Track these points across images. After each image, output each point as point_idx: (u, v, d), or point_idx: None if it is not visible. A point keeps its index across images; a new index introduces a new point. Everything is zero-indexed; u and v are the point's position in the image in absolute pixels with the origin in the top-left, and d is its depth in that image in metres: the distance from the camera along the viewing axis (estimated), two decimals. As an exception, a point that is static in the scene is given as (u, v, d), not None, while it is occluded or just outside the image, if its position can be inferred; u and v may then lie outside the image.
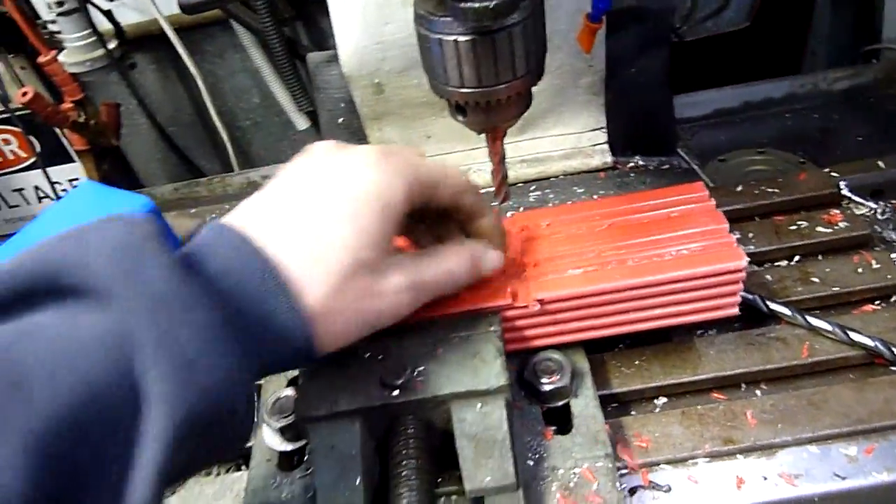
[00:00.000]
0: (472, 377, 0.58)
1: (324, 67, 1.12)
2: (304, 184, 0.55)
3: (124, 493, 0.40)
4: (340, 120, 1.14)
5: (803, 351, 0.70)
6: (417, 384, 0.59)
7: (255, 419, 0.54)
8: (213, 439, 0.45)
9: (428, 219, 0.66)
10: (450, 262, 0.61)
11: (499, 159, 0.69)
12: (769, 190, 0.88)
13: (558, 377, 0.66)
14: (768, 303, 0.73)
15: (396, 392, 0.59)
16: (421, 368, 0.60)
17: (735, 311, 0.67)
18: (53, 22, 1.37)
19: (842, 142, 1.27)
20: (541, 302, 0.64)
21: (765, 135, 1.29)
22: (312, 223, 0.52)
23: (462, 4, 0.50)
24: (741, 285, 0.65)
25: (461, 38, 0.55)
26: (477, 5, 0.50)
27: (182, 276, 0.44)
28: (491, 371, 0.59)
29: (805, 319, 0.71)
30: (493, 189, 0.73)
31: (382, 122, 1.08)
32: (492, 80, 0.58)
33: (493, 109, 0.61)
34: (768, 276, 0.79)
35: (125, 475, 0.40)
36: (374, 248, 0.53)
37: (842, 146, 1.26)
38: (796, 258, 0.82)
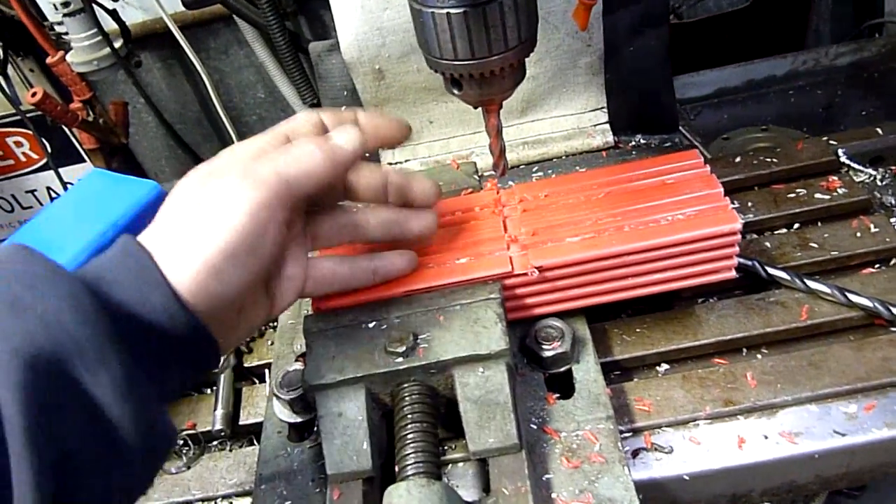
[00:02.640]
0: (473, 342, 0.60)
1: (325, 56, 1.13)
2: (183, 203, 0.57)
3: None
4: (343, 108, 1.16)
5: (802, 314, 0.71)
6: (420, 351, 0.60)
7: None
8: (72, 390, 0.43)
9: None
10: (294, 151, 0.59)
11: (496, 132, 0.70)
12: (768, 160, 0.88)
13: (559, 343, 0.67)
14: (767, 268, 0.74)
15: (400, 359, 0.60)
16: (423, 336, 0.61)
17: (732, 274, 0.68)
18: (60, 23, 1.39)
19: (846, 117, 1.27)
20: (539, 269, 0.65)
21: (768, 112, 1.29)
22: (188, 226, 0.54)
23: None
24: (737, 248, 0.66)
25: (453, 11, 0.56)
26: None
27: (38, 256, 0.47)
28: (491, 336, 0.60)
29: (804, 283, 0.72)
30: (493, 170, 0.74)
31: (384, 108, 1.10)
32: (485, 52, 0.59)
33: (487, 81, 0.62)
34: (767, 244, 0.80)
35: None
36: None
37: (846, 121, 1.26)
38: (795, 225, 0.82)
